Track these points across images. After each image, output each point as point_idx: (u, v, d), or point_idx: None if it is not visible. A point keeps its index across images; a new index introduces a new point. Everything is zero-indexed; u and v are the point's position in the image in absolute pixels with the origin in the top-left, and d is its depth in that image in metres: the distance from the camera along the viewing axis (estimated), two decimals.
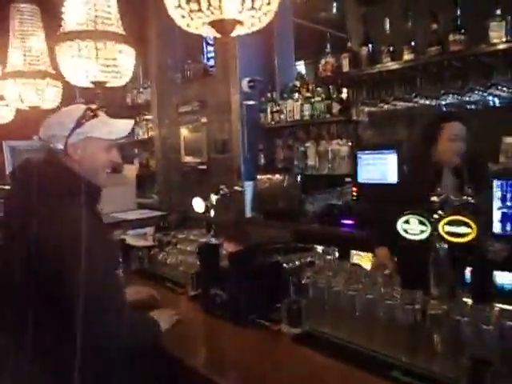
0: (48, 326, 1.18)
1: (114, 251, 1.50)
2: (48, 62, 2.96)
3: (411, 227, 1.33)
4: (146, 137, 5.45)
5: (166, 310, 1.62)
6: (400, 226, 1.30)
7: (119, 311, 1.22)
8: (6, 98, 3.07)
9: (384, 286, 1.36)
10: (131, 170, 3.99)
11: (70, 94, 5.81)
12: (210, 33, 1.33)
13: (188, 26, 1.32)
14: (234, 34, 1.36)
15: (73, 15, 2.04)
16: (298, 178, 3.75)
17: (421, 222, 1.31)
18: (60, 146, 1.32)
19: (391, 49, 2.97)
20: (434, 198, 1.42)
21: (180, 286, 2.03)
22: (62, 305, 1.15)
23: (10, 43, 2.95)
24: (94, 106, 1.46)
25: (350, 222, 3.23)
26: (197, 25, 1.28)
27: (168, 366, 1.37)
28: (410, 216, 1.32)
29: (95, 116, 1.38)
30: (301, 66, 5.47)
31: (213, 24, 1.24)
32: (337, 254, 1.94)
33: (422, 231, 1.32)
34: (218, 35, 1.33)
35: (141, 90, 5.52)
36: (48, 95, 2.91)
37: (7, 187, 4.30)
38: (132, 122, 1.47)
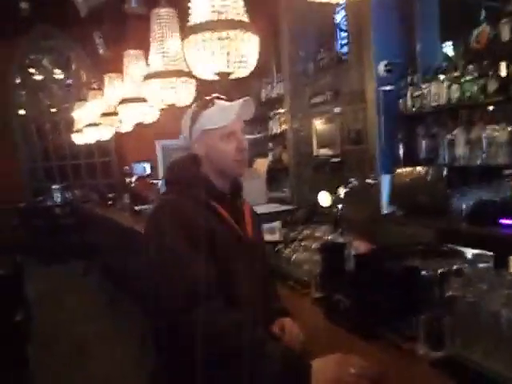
0: None
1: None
2: (183, 62, 3.08)
3: None
4: (279, 131, 5.45)
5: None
6: None
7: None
8: (148, 99, 3.29)
9: None
10: (262, 164, 3.99)
11: (208, 93, 6.17)
12: None
13: None
14: None
15: (197, 8, 2.04)
16: (444, 171, 3.30)
17: None
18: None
19: None
20: None
21: (304, 285, 1.89)
22: None
23: (150, 47, 3.15)
24: (208, 97, 1.38)
25: (510, 221, 2.70)
26: None
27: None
28: None
29: (208, 107, 1.32)
30: (448, 48, 4.85)
31: None
32: (492, 262, 1.57)
33: None
34: None
35: (274, 84, 5.53)
36: (182, 93, 3.03)
37: (157, 181, 4.68)
38: (238, 103, 1.30)
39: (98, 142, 6.47)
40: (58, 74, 8.78)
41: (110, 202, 6.40)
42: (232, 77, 2.19)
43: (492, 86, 2.97)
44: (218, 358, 1.05)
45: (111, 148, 7.82)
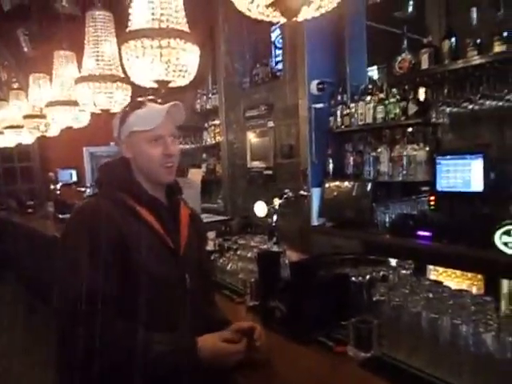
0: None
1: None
2: (119, 67, 3.01)
3: None
4: (213, 142, 5.47)
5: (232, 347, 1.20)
6: (498, 238, 1.07)
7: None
8: (80, 103, 3.17)
9: (475, 311, 1.13)
10: (197, 174, 3.98)
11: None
12: (273, 17, 1.20)
13: (249, 10, 1.20)
14: (300, 18, 1.22)
15: (138, 15, 2.02)
16: (369, 186, 3.52)
17: None
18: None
19: (478, 41, 2.66)
20: None
21: (239, 294, 1.91)
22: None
23: (84, 49, 3.05)
24: (140, 99, 1.37)
25: (426, 233, 2.94)
26: (259, 7, 1.16)
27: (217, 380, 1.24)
28: None
29: (138, 108, 1.28)
30: (373, 72, 5.21)
31: (277, 3, 1.10)
32: (412, 269, 1.71)
33: None
34: (282, 19, 1.19)
35: (210, 95, 5.56)
36: (117, 98, 2.96)
37: (85, 189, 4.43)
38: (167, 106, 1.27)
39: (19, 146, 6.05)
40: None
41: (29, 210, 5.99)
42: (171, 85, 2.18)
43: (412, 109, 3.24)
44: (106, 360, 1.08)
45: (34, 152, 7.33)
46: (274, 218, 2.19)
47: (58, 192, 5.44)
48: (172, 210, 1.34)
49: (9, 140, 5.79)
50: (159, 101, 1.36)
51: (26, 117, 4.88)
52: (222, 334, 1.22)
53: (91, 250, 1.12)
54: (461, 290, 1.30)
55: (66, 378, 1.20)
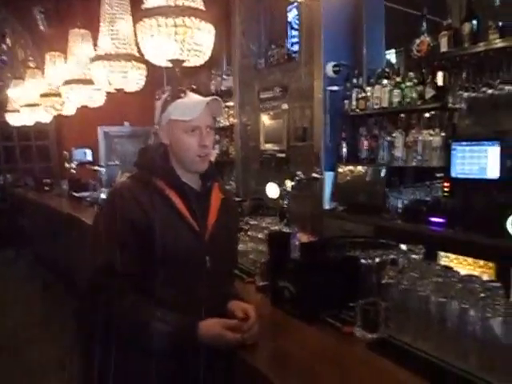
0: None
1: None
2: (134, 46, 3.01)
3: None
4: (227, 124, 5.46)
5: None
6: (510, 225, 1.06)
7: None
8: (95, 81, 3.18)
9: (484, 296, 1.13)
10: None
11: (158, 81, 6.03)
12: None
13: None
14: None
15: None
16: (383, 171, 3.50)
17: None
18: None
19: (500, 24, 2.59)
20: None
21: (249, 274, 1.93)
22: None
23: (100, 28, 3.04)
24: (183, 88, 1.39)
25: (439, 219, 2.92)
26: None
27: (225, 358, 1.28)
28: None
29: (179, 97, 1.33)
30: (391, 55, 5.11)
31: None
32: (422, 254, 1.71)
33: None
34: None
35: (224, 76, 5.53)
36: (132, 77, 2.97)
37: (100, 168, 4.49)
38: (207, 99, 1.32)
39: (36, 124, 6.12)
40: None
41: (46, 188, 6.09)
42: (185, 65, 2.18)
43: (429, 93, 3.18)
44: (121, 331, 1.21)
45: (50, 131, 7.40)
46: (286, 200, 2.19)
47: (73, 171, 5.52)
48: (203, 195, 1.38)
49: (26, 118, 5.85)
50: (199, 91, 1.39)
51: (43, 95, 4.92)
52: (227, 321, 1.24)
53: (115, 230, 1.23)
54: (470, 275, 1.30)
55: (83, 341, 1.35)
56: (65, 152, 6.40)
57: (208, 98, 1.32)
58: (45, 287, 4.78)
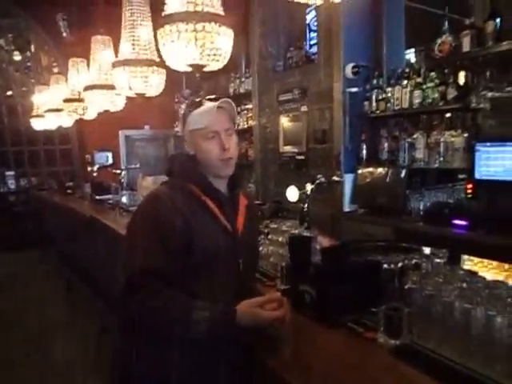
0: None
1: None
2: (154, 51, 3.05)
3: None
4: (245, 126, 5.48)
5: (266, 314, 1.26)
6: None
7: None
8: (117, 86, 3.23)
9: (510, 301, 1.11)
10: None
11: (177, 84, 6.10)
12: None
13: None
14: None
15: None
16: (404, 172, 3.45)
17: None
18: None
19: None
20: None
21: (269, 278, 1.93)
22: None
23: (121, 34, 3.09)
24: (198, 98, 1.43)
25: (462, 222, 2.86)
26: None
27: (244, 357, 1.31)
28: None
29: (196, 108, 1.37)
30: (411, 55, 5.04)
31: None
32: (446, 258, 1.68)
33: None
34: (318, 1, 1.17)
35: (243, 79, 5.55)
36: (153, 82, 3.00)
37: (121, 171, 4.55)
38: (216, 103, 1.35)
39: (59, 129, 6.26)
40: (16, 56, 8.37)
41: (69, 191, 6.22)
42: (205, 69, 2.20)
43: (451, 94, 3.13)
44: (162, 321, 1.24)
45: (72, 135, 7.55)
46: (306, 203, 2.18)
47: (95, 174, 5.62)
48: (232, 200, 1.45)
49: (49, 123, 5.98)
50: (213, 97, 1.43)
51: (66, 100, 5.02)
52: (256, 300, 1.28)
53: (157, 234, 1.27)
54: (496, 281, 1.27)
55: (125, 337, 1.36)
56: (87, 155, 6.52)
57: (217, 102, 1.36)
58: (69, 287, 4.88)
